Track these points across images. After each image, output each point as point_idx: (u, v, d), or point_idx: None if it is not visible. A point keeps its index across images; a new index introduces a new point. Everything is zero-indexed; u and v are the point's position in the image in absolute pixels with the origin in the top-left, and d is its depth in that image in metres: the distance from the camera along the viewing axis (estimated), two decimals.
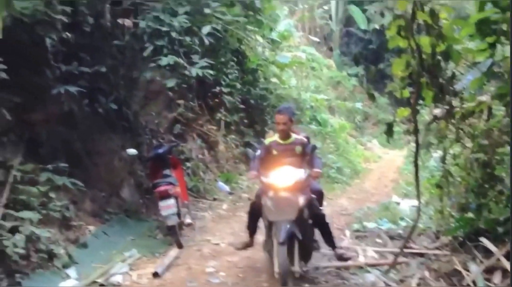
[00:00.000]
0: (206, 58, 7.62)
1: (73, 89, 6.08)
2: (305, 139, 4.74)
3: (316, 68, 18.47)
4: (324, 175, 11.43)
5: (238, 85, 10.38)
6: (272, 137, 4.80)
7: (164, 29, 7.09)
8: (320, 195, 4.90)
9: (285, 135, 4.67)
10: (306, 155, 4.68)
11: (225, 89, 9.96)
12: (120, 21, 7.37)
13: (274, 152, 4.67)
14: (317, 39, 21.47)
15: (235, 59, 10.51)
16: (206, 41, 7.57)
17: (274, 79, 12.70)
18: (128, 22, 7.27)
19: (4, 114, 5.19)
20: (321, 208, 4.85)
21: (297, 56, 14.72)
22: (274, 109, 11.60)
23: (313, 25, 23.26)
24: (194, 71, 7.29)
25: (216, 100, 10.02)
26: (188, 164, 8.47)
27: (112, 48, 7.27)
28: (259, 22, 10.43)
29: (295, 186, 4.34)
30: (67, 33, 6.05)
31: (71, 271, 5.04)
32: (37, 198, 5.23)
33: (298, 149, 4.67)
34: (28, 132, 5.77)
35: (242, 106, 10.47)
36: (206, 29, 7.65)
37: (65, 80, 6.19)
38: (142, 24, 6.99)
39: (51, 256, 4.99)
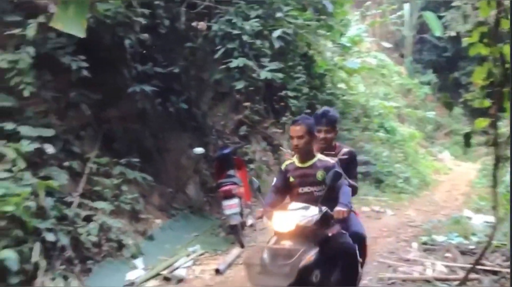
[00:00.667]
0: (275, 61, 7.68)
1: (147, 88, 6.38)
2: (331, 162, 3.37)
3: (386, 75, 17.97)
4: (391, 184, 11.07)
5: (305, 90, 10.34)
6: (290, 159, 3.52)
7: (235, 32, 7.23)
8: (359, 241, 3.44)
9: (304, 155, 3.38)
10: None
11: (291, 93, 9.95)
12: (194, 24, 7.61)
13: (291, 179, 3.42)
14: (388, 45, 20.87)
15: (303, 63, 10.49)
16: (277, 45, 7.62)
17: (341, 85, 12.52)
18: (201, 25, 7.48)
19: (84, 110, 5.55)
20: (360, 260, 3.44)
21: (366, 62, 14.41)
22: (342, 115, 11.57)
23: (384, 30, 22.67)
24: (263, 74, 7.36)
25: (282, 103, 10.04)
26: (251, 166, 8.55)
27: (185, 50, 7.52)
28: (329, 27, 10.36)
29: (299, 232, 3.07)
30: (144, 34, 6.36)
31: (138, 262, 5.26)
32: (110, 189, 5.52)
33: (320, 174, 3.32)
34: (104, 128, 6.11)
35: (308, 110, 10.40)
36: (277, 32, 7.71)
37: (140, 80, 6.49)
38: (215, 27, 7.17)
39: (121, 246, 5.24)
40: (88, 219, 5.09)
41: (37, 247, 4.35)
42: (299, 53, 10.20)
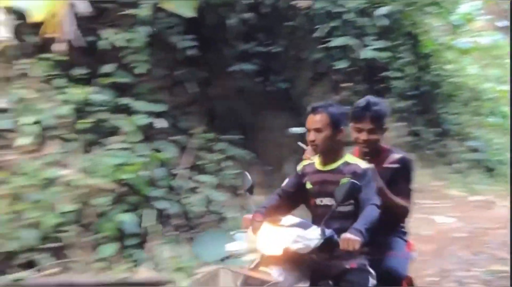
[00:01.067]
0: (378, 40, 7.40)
1: (248, 67, 6.52)
2: (362, 167, 2.39)
3: (501, 56, 16.42)
4: (503, 173, 10.19)
5: (409, 70, 9.84)
6: (310, 159, 2.62)
7: (337, 10, 7.07)
8: (391, 283, 2.50)
9: (325, 155, 2.47)
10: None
11: (394, 74, 9.52)
12: (294, 2, 7.57)
13: (308, 185, 2.52)
14: (505, 24, 19.02)
15: (407, 42, 9.97)
16: (382, 23, 7.33)
17: (449, 66, 11.70)
18: (303, 4, 7.41)
19: (191, 87, 5.82)
20: None
21: (478, 42, 13.29)
22: (449, 98, 10.85)
23: (500, 8, 20.69)
24: (364, 53, 7.14)
25: (384, 85, 9.64)
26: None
27: (285, 29, 7.53)
28: (438, 4, 9.73)
29: (288, 258, 2.23)
30: (247, 14, 6.47)
31: (237, 236, 5.42)
32: (213, 164, 5.75)
33: (346, 180, 2.32)
34: (208, 105, 6.37)
35: (411, 92, 9.91)
36: (382, 10, 7.43)
37: (241, 58, 6.65)
38: (317, 5, 7.08)
39: (222, 218, 5.45)
40: (192, 191, 5.36)
41: (148, 213, 4.69)
42: (403, 32, 9.71)
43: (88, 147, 4.90)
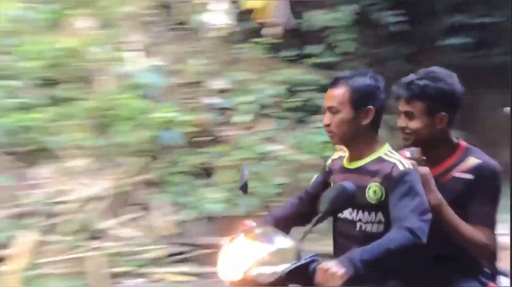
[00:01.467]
0: None
1: (459, 41, 6.01)
2: (400, 169, 1.59)
3: None
4: None
5: None
6: (342, 151, 1.85)
7: None
8: None
9: (349, 147, 1.74)
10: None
11: None
12: None
13: (332, 185, 1.77)
14: None
15: None
16: None
17: None
18: None
19: (398, 63, 5.64)
20: None
21: None
22: None
23: None
24: None
25: None
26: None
27: None
28: None
29: (249, 283, 1.57)
30: None
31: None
32: None
33: (374, 188, 1.63)
34: None
35: None
36: None
37: (451, 32, 6.17)
38: None
39: None
40: None
41: None
42: None
43: (296, 124, 5.15)
